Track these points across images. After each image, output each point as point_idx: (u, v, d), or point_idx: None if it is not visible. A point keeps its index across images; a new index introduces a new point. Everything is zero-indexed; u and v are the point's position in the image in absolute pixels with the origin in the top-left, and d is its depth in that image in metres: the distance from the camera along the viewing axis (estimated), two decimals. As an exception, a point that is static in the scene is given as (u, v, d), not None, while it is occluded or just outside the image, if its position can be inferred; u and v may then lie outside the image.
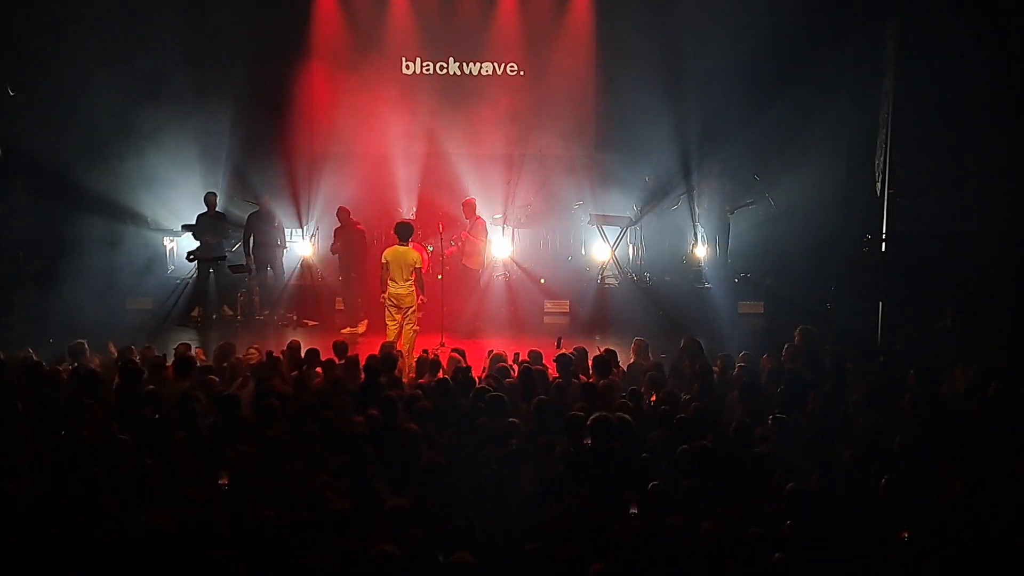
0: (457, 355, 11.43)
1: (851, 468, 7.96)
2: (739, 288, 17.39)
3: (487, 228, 16.22)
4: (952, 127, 14.95)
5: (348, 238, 16.07)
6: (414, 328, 13.69)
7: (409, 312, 13.60)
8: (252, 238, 16.17)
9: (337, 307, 16.57)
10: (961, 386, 10.34)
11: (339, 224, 16.27)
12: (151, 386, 9.92)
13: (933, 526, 6.98)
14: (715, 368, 10.96)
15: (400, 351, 12.61)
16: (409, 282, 13.56)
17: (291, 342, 11.60)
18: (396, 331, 13.63)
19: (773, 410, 9.17)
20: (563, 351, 11.53)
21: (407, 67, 19.46)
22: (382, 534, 6.70)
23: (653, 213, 18.10)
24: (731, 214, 17.69)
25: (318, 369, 10.86)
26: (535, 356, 11.25)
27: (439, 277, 15.67)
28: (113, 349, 11.50)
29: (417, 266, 13.67)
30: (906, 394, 9.94)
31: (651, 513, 7.15)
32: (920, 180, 15.42)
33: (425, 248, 16.06)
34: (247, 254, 16.14)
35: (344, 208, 16.42)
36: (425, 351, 12.10)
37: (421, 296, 13.79)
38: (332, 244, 16.40)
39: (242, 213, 16.88)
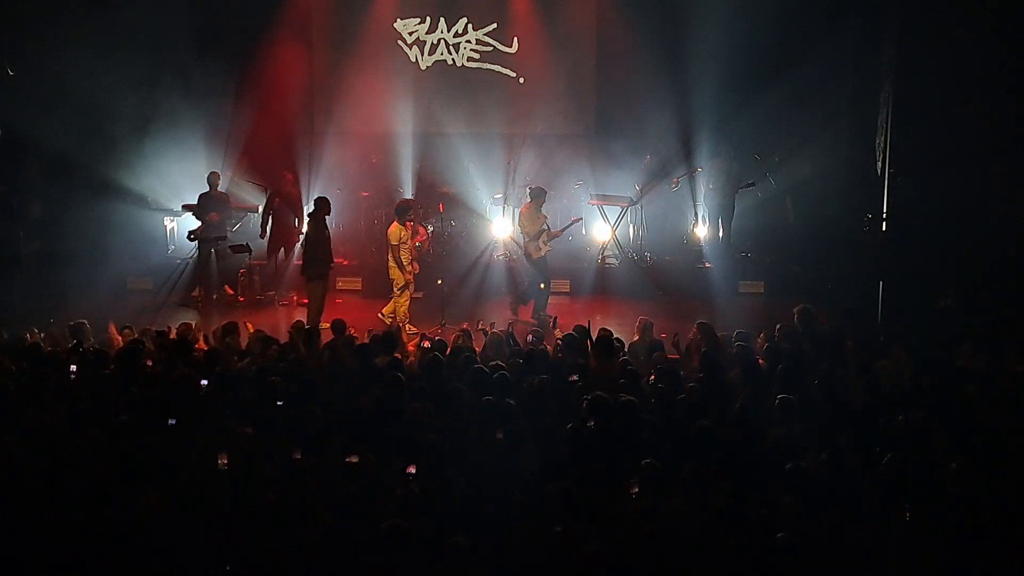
0: (460, 335, 11.48)
1: (852, 447, 7.97)
2: (740, 267, 17.39)
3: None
4: (953, 106, 14.93)
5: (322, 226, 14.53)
6: (401, 302, 14.39)
7: (395, 287, 14.38)
8: (272, 219, 16.14)
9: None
10: (963, 364, 10.35)
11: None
12: (152, 366, 9.97)
13: (934, 504, 7.01)
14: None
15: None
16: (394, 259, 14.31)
17: (295, 322, 11.58)
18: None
19: (772, 389, 9.19)
20: (559, 331, 11.58)
21: (408, 48, 19.46)
22: (386, 514, 6.72)
23: (653, 193, 18.07)
24: (736, 194, 17.71)
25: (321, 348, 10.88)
26: (537, 336, 11.27)
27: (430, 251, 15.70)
28: (113, 329, 11.51)
29: (392, 243, 14.31)
30: (905, 373, 9.97)
31: (650, 492, 7.17)
32: (921, 159, 15.41)
33: (426, 228, 16.22)
34: (264, 231, 16.16)
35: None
36: (424, 334, 12.14)
37: (405, 271, 14.35)
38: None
39: (246, 194, 16.86)
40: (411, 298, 14.47)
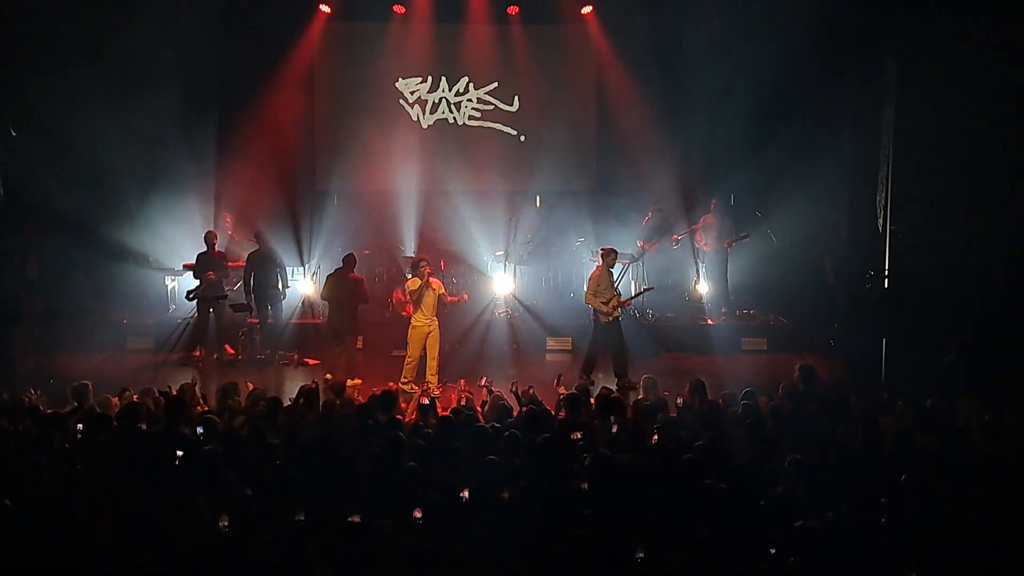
0: (465, 394, 11.44)
1: (856, 505, 7.90)
2: (742, 324, 17.39)
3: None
4: (953, 162, 14.96)
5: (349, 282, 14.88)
6: (408, 360, 14.33)
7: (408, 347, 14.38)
8: (253, 277, 16.05)
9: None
10: (968, 421, 10.28)
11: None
12: (152, 426, 9.92)
13: (939, 564, 6.93)
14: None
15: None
16: None
17: (303, 387, 11.49)
18: None
19: (778, 448, 9.13)
20: (563, 388, 11.53)
21: (409, 107, 19.60)
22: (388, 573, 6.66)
23: (655, 250, 18.11)
24: (728, 248, 17.76)
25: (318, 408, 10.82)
26: (532, 397, 11.21)
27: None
28: (123, 395, 11.40)
29: (410, 289, 14.28)
30: (909, 430, 9.90)
31: (655, 552, 7.10)
32: (921, 215, 15.42)
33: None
34: (247, 293, 16.03)
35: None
36: (423, 391, 12.11)
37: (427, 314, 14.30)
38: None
39: (245, 252, 16.86)
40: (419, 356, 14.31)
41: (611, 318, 14.37)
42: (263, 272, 15.98)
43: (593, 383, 13.10)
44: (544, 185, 19.38)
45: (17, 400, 10.76)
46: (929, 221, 15.28)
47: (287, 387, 13.74)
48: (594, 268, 14.98)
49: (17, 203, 16.22)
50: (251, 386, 11.68)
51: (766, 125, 17.48)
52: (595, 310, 14.51)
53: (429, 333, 14.16)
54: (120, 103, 16.41)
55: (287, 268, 16.63)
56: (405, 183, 18.74)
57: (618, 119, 19.11)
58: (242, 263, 16.43)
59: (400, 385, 13.64)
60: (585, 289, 14.88)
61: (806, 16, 16.36)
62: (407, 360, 14.19)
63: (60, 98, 16.22)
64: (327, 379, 12.85)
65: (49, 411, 10.53)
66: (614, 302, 14.33)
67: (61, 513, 7.59)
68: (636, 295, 15.84)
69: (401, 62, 19.52)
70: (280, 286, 16.16)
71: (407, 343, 14.29)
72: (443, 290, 14.35)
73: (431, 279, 14.27)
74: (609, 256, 14.66)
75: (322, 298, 15.19)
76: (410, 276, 14.38)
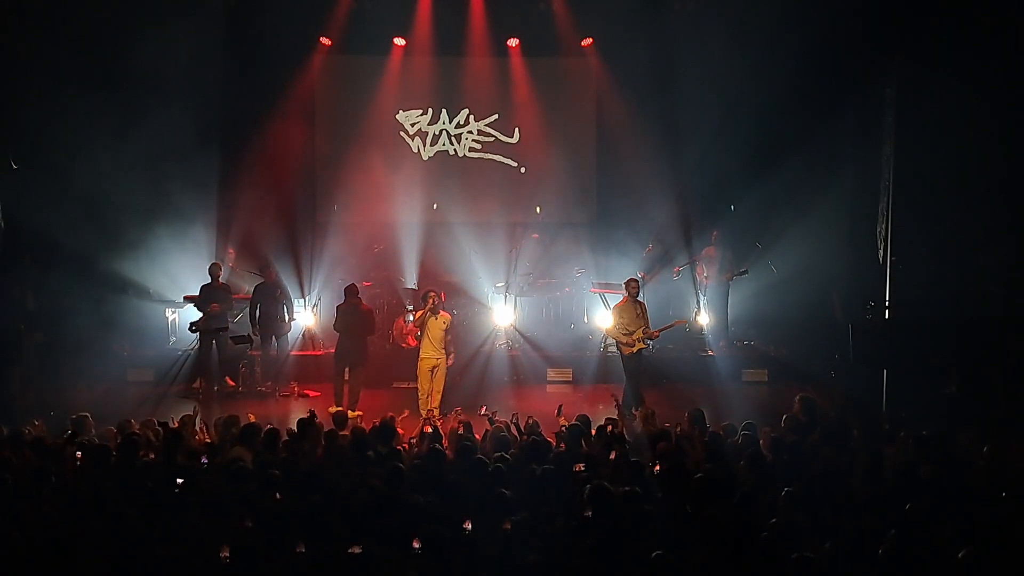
0: (460, 425, 11.40)
1: (860, 537, 7.87)
2: (743, 356, 17.37)
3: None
4: (953, 193, 15.00)
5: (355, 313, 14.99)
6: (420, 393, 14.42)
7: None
8: (259, 309, 16.04)
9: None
10: (969, 451, 10.25)
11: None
12: (152, 458, 9.90)
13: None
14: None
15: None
16: None
17: (300, 419, 11.46)
18: None
19: (778, 479, 9.10)
20: (564, 420, 11.50)
21: (410, 139, 19.67)
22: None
23: (656, 281, 18.11)
24: (729, 281, 17.76)
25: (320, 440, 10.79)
26: (533, 426, 11.18)
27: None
28: (123, 427, 11.36)
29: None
30: (911, 461, 9.87)
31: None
32: (922, 246, 15.44)
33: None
34: (252, 325, 16.04)
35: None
36: (426, 420, 12.08)
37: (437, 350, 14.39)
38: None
39: (246, 284, 16.86)
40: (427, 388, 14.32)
41: (634, 349, 14.28)
42: (269, 304, 15.99)
43: (559, 406, 12.81)
44: (544, 216, 19.40)
45: (18, 432, 10.72)
46: (929, 252, 15.30)
47: (288, 419, 13.69)
48: (615, 300, 14.97)
49: (18, 236, 16.25)
50: (252, 418, 11.65)
51: (766, 157, 17.51)
52: (616, 342, 14.48)
53: (436, 366, 14.22)
54: (121, 136, 16.47)
55: (292, 299, 16.66)
56: (406, 214, 18.80)
57: (618, 150, 19.15)
58: (245, 295, 16.44)
59: (422, 417, 13.62)
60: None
61: (806, 48, 16.44)
62: (420, 394, 14.29)
63: (61, 131, 16.29)
64: (339, 410, 12.81)
65: (51, 443, 10.50)
66: (638, 334, 14.25)
67: (61, 544, 7.56)
68: (666, 327, 15.34)
69: (401, 94, 19.62)
70: (286, 317, 16.18)
71: (417, 376, 14.37)
72: (448, 324, 14.36)
73: (442, 312, 14.39)
74: (631, 287, 14.50)
75: (335, 329, 15.14)
76: (412, 308, 14.42)
